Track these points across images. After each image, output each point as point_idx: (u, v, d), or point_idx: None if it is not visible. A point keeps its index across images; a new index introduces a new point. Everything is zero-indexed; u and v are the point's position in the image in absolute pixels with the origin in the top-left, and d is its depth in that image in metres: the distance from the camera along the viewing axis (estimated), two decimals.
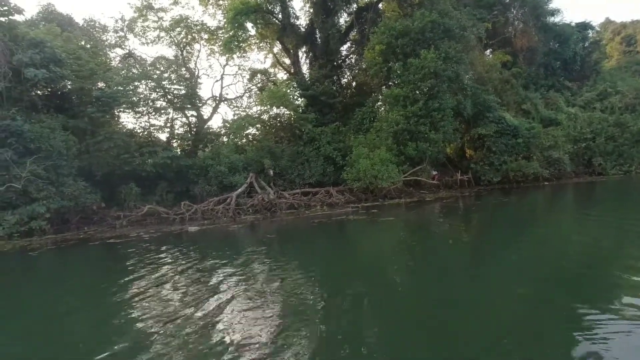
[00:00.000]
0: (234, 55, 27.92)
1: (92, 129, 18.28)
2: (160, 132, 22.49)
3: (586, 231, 11.37)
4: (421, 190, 22.75)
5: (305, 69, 29.21)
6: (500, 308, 5.99)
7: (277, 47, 31.18)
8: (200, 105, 24.54)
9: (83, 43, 22.65)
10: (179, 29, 26.67)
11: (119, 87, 19.41)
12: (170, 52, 29.34)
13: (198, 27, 27.09)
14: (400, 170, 21.18)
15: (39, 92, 17.96)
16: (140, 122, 21.69)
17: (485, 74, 27.30)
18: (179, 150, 22.59)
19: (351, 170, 20.69)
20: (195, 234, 14.56)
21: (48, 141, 15.60)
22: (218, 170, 19.70)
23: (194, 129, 23.92)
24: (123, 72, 22.69)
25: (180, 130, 23.38)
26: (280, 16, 27.63)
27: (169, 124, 22.70)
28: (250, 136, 24.89)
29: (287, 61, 30.94)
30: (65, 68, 17.28)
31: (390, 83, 24.38)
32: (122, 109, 20.95)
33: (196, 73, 27.38)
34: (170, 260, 10.06)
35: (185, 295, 7.10)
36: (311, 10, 28.24)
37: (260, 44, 30.69)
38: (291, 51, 28.98)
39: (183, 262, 9.80)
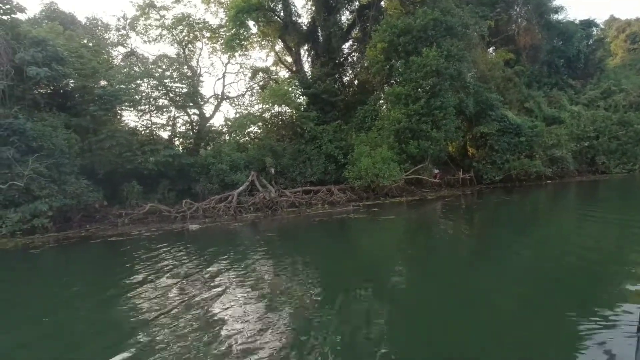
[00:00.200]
0: (236, 54, 27.89)
1: (94, 127, 18.31)
2: (162, 130, 22.56)
3: (588, 231, 11.32)
4: (423, 189, 22.69)
5: (307, 67, 29.26)
6: (500, 308, 5.98)
7: (279, 45, 31.16)
8: (202, 103, 24.57)
9: (86, 41, 22.69)
10: (180, 27, 26.65)
11: (121, 86, 19.44)
12: (172, 51, 29.35)
13: (200, 25, 27.07)
14: (402, 168, 21.15)
15: (41, 90, 18.00)
16: (142, 121, 21.75)
17: (487, 72, 27.18)
18: (181, 148, 22.64)
19: (353, 168, 20.66)
20: (197, 232, 14.60)
21: (50, 139, 15.64)
22: (219, 168, 19.73)
23: (196, 127, 23.94)
24: (125, 70, 22.73)
25: (182, 129, 23.41)
26: (282, 14, 27.61)
27: (170, 122, 22.75)
28: (251, 134, 24.90)
29: (289, 59, 30.92)
30: (68, 66, 17.31)
31: (392, 81, 24.33)
32: (124, 107, 21.00)
33: (198, 71, 27.36)
34: (171, 258, 10.09)
35: (185, 293, 7.13)
36: (313, 8, 28.21)
37: (262, 42, 30.66)
38: (293, 49, 28.96)
39: (184, 260, 9.84)
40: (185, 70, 26.23)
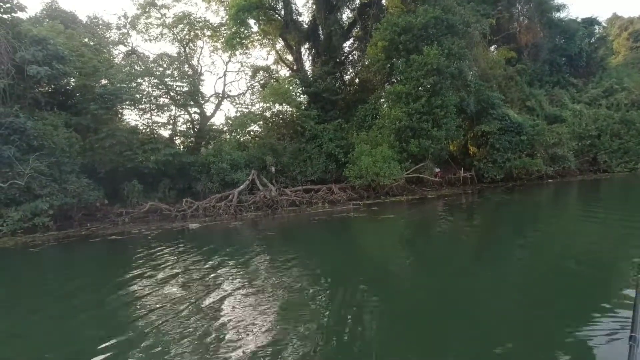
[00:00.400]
0: (237, 52, 27.89)
1: (95, 126, 18.36)
2: (163, 129, 22.61)
3: (589, 231, 11.26)
4: (424, 188, 22.66)
5: (307, 65, 29.23)
6: (499, 308, 5.95)
7: (280, 44, 31.14)
8: (203, 102, 24.60)
9: (87, 40, 22.72)
10: (181, 26, 26.67)
11: (122, 84, 19.46)
12: (173, 49, 29.25)
13: (201, 23, 27.08)
14: (403, 167, 21.12)
15: (42, 89, 18.04)
16: (143, 119, 21.80)
17: (489, 71, 27.08)
18: (181, 147, 22.67)
19: (353, 167, 20.64)
20: (196, 230, 14.61)
21: (51, 138, 15.71)
22: (220, 167, 19.74)
23: (197, 126, 23.97)
24: (126, 69, 22.76)
25: (183, 127, 23.44)
26: (282, 12, 27.57)
27: (171, 121, 22.77)
28: (252, 133, 24.91)
29: (290, 58, 30.88)
30: (68, 65, 17.34)
31: (393, 80, 24.28)
32: (125, 106, 21.03)
33: (199, 70, 27.37)
34: (169, 257, 10.11)
35: (182, 290, 7.14)
36: (314, 7, 28.15)
37: (263, 41, 30.64)
38: (294, 48, 28.92)
39: (182, 258, 9.86)
40: (186, 69, 26.23)
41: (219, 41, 27.90)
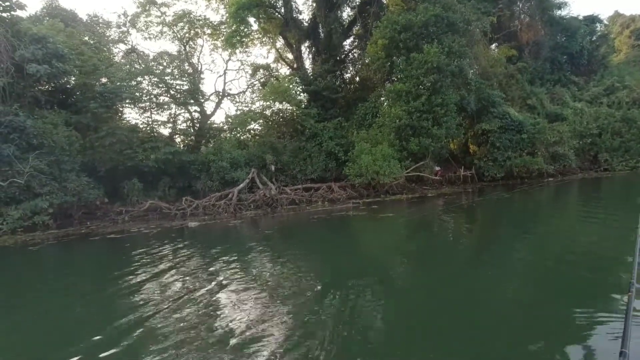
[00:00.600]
0: (237, 51, 27.87)
1: (95, 124, 18.36)
2: (163, 127, 22.62)
3: (590, 230, 11.24)
4: (424, 186, 22.65)
5: (308, 64, 29.15)
6: (499, 309, 5.92)
7: (280, 42, 31.06)
8: (203, 100, 24.57)
9: (87, 39, 22.71)
10: (181, 24, 26.64)
11: (122, 83, 19.46)
12: (173, 48, 29.37)
13: (201, 22, 27.05)
14: (403, 166, 21.10)
15: (41, 87, 18.03)
16: (143, 118, 21.80)
17: (490, 69, 27.00)
18: (182, 145, 22.67)
19: (353, 166, 20.63)
20: (196, 229, 14.63)
21: (51, 137, 15.71)
22: (220, 165, 19.73)
23: (197, 125, 23.96)
24: (126, 67, 22.75)
25: (183, 126, 23.42)
26: (282, 10, 27.49)
27: (171, 120, 22.77)
28: (252, 131, 24.89)
29: (290, 56, 30.83)
30: (68, 64, 17.32)
31: (393, 78, 24.21)
32: (125, 105, 21.03)
33: (199, 68, 27.37)
34: (166, 255, 10.13)
35: (182, 289, 7.14)
36: (314, 5, 28.06)
37: (263, 39, 30.58)
38: (294, 46, 28.87)
39: (179, 256, 9.87)
40: (186, 67, 26.23)
41: (219, 39, 27.87)
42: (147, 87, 21.70)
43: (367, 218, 15.07)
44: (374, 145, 20.86)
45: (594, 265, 7.67)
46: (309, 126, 23.14)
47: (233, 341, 4.95)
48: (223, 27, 27.39)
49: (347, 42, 29.34)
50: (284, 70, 31.02)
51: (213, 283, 7.46)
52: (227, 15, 26.84)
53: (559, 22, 32.99)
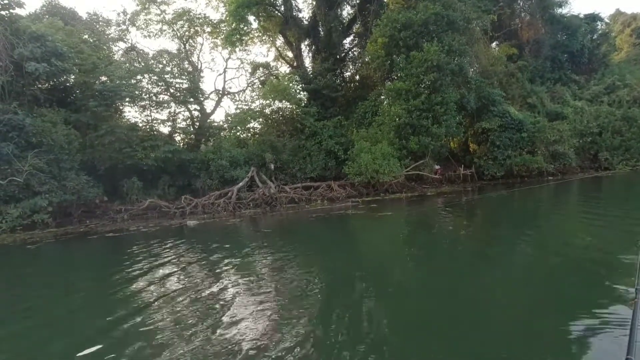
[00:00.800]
0: (236, 49, 27.84)
1: (94, 123, 18.38)
2: (162, 126, 22.63)
3: (590, 229, 11.16)
4: (423, 185, 22.63)
5: (307, 62, 29.13)
6: (499, 309, 5.85)
7: (280, 40, 31.04)
8: (203, 99, 24.57)
9: (86, 37, 22.69)
10: (181, 22, 26.63)
11: (122, 81, 19.44)
12: (172, 46, 29.35)
13: (200, 20, 27.03)
14: (403, 164, 21.09)
15: (40, 86, 18.04)
16: (143, 116, 21.80)
17: (490, 67, 26.93)
18: (181, 144, 22.67)
19: (352, 164, 20.61)
20: (194, 228, 14.63)
21: (50, 135, 15.73)
22: (219, 164, 19.73)
23: (197, 123, 23.95)
24: (126, 65, 22.73)
25: (183, 124, 23.42)
26: (282, 9, 27.47)
27: (171, 118, 22.76)
28: (252, 130, 24.89)
29: (290, 54, 30.79)
30: (67, 62, 17.33)
31: (393, 76, 24.17)
32: (124, 103, 21.02)
33: (199, 66, 27.40)
34: (165, 253, 10.11)
35: (177, 288, 7.12)
36: (314, 3, 28.03)
37: (263, 37, 30.57)
38: (294, 44, 28.84)
39: (179, 255, 9.86)
40: (186, 66, 26.22)
41: (219, 38, 27.85)
42: (146, 86, 21.71)
43: (366, 217, 15.05)
44: (373, 144, 20.84)
45: (595, 266, 7.58)
46: (308, 125, 23.12)
47: (231, 339, 4.94)
48: (223, 25, 27.37)
49: (347, 41, 29.38)
50: (284, 69, 31.06)
51: (211, 281, 7.45)
52: (226, 13, 26.80)
53: (560, 20, 32.88)
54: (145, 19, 26.54)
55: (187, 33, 27.16)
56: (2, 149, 14.47)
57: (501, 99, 25.15)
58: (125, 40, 26.93)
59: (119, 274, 8.41)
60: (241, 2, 24.65)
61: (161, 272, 8.36)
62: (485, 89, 24.76)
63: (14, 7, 16.44)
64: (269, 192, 19.06)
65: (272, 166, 21.13)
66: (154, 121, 22.10)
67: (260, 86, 28.00)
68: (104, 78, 19.65)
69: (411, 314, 5.78)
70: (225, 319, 5.58)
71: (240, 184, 19.35)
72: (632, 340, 2.02)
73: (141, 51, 26.90)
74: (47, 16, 23.75)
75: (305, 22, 28.29)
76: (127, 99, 20.50)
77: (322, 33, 27.27)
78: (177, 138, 23.18)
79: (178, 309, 6.08)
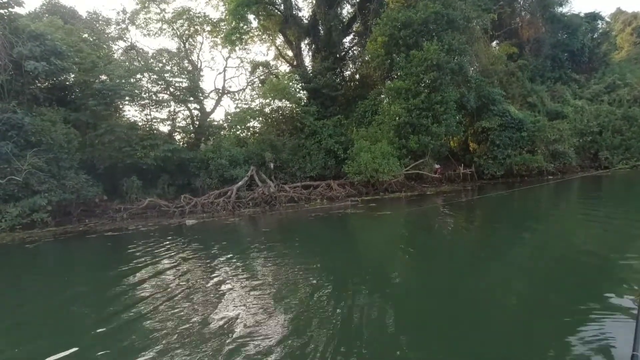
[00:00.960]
0: (236, 48, 27.80)
1: (94, 121, 18.38)
2: (162, 125, 22.64)
3: (590, 228, 11.12)
4: (423, 184, 22.60)
5: (307, 61, 29.08)
6: (500, 309, 5.82)
7: (280, 39, 31.00)
8: (203, 98, 24.56)
9: (86, 36, 22.68)
10: (181, 21, 26.59)
11: (121, 80, 19.43)
12: (172, 45, 29.31)
13: (200, 19, 26.99)
14: (402, 163, 21.06)
15: (40, 85, 18.04)
16: (143, 115, 21.81)
17: (490, 66, 26.85)
18: (181, 143, 22.66)
19: (352, 163, 20.59)
20: (193, 227, 14.62)
21: (49, 134, 15.73)
22: (219, 163, 19.72)
23: (197, 122, 23.93)
24: (125, 64, 22.71)
25: (183, 123, 23.41)
26: (282, 7, 27.43)
27: (171, 117, 22.75)
28: (251, 129, 24.87)
29: (290, 53, 30.76)
30: (66, 61, 17.31)
31: (393, 75, 24.14)
32: (124, 102, 21.01)
33: (199, 65, 27.36)
34: (163, 253, 10.10)
35: (173, 287, 7.13)
36: (314, 2, 27.99)
37: (263, 36, 30.53)
38: (293, 43, 28.79)
39: (177, 254, 9.85)
40: (186, 65, 26.20)
41: (219, 36, 27.81)
42: (146, 85, 21.73)
43: (365, 216, 15.03)
44: (373, 143, 20.82)
45: (597, 265, 7.55)
46: (308, 124, 23.10)
47: (229, 338, 4.93)
48: (223, 24, 27.33)
49: (347, 39, 29.35)
50: (284, 68, 31.03)
51: (209, 280, 7.46)
52: (226, 12, 26.77)
53: (560, 19, 32.77)
54: (145, 18, 26.52)
55: (186, 32, 27.13)
56: (1, 147, 14.48)
57: (501, 98, 25.10)
58: (125, 39, 26.89)
59: (116, 273, 8.42)
60: (241, 0, 24.62)
61: (158, 270, 8.37)
62: (485, 88, 24.72)
63: (13, 6, 16.42)
64: (269, 191, 19.04)
65: (272, 165, 21.12)
66: (154, 120, 22.15)
67: (260, 85, 27.99)
68: (103, 77, 19.66)
69: (411, 314, 5.76)
70: (223, 317, 5.58)
71: (240, 183, 19.34)
72: (638, 336, 2.00)
73: (141, 50, 26.87)
74: (47, 15, 23.74)
75: (305, 21, 28.26)
76: (127, 98, 20.50)
77: (322, 32, 27.23)
78: (177, 137, 23.19)
79: (175, 307, 6.07)
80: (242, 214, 16.95)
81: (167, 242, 11.52)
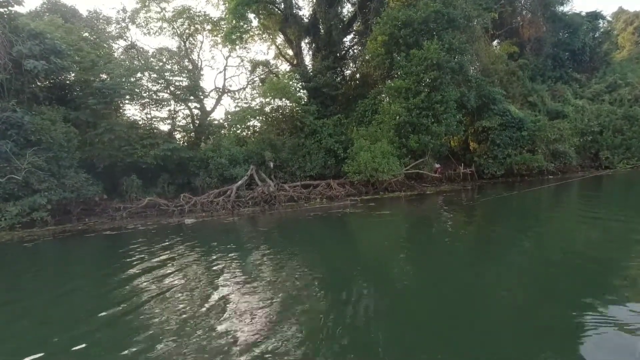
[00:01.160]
0: (236, 47, 27.79)
1: (93, 120, 18.38)
2: (162, 123, 22.63)
3: (590, 228, 11.11)
4: (423, 184, 22.57)
5: (308, 60, 29.04)
6: (499, 309, 5.81)
7: (280, 38, 30.98)
8: (203, 97, 24.56)
9: (86, 34, 22.68)
10: (181, 20, 26.62)
11: (121, 79, 19.43)
12: (172, 44, 29.29)
13: (200, 18, 27.00)
14: (402, 163, 21.03)
15: (40, 83, 18.05)
16: (143, 114, 21.82)
17: (490, 65, 26.83)
18: (181, 142, 22.66)
19: (352, 163, 20.57)
20: (192, 226, 14.62)
21: (49, 133, 15.73)
22: (219, 162, 19.73)
23: (197, 121, 23.93)
24: (125, 63, 22.72)
25: (183, 122, 23.41)
26: (282, 6, 27.39)
27: (171, 116, 22.74)
28: (251, 128, 24.87)
29: (290, 52, 30.73)
30: (66, 59, 17.32)
31: (393, 75, 24.09)
32: (124, 101, 21.01)
33: (199, 64, 27.39)
34: (162, 252, 10.11)
35: (173, 286, 7.13)
36: (314, 1, 27.93)
37: (263, 35, 30.51)
38: (294, 42, 28.75)
39: (176, 253, 9.86)
40: (186, 64, 26.25)
41: (219, 35, 27.80)
42: (146, 84, 21.72)
43: (365, 216, 15.01)
44: (373, 142, 20.79)
45: (597, 265, 7.52)
46: (308, 123, 23.08)
47: (227, 336, 4.94)
48: (223, 23, 27.31)
49: (347, 39, 29.30)
50: (284, 67, 31.04)
51: (207, 279, 7.46)
52: (226, 11, 26.74)
53: (561, 18, 32.70)
54: (145, 17, 26.55)
55: (187, 31, 27.14)
56: (1, 146, 14.48)
57: (502, 98, 25.06)
58: (125, 38, 26.93)
59: (114, 271, 8.44)
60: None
61: (156, 269, 8.37)
62: (485, 87, 24.67)
63: (12, 5, 16.40)
64: (268, 191, 19.04)
65: (272, 164, 21.11)
66: (154, 119, 22.14)
67: (260, 84, 27.99)
68: (103, 76, 19.67)
69: (411, 314, 5.75)
70: (221, 315, 5.59)
71: (240, 182, 19.34)
72: None
73: (141, 49, 26.94)
74: (47, 14, 23.76)
75: (306, 20, 28.21)
76: (127, 97, 20.53)
77: (322, 31, 27.19)
78: (177, 136, 23.19)
79: (173, 306, 6.08)
80: (242, 213, 16.95)
81: (166, 241, 11.53)
